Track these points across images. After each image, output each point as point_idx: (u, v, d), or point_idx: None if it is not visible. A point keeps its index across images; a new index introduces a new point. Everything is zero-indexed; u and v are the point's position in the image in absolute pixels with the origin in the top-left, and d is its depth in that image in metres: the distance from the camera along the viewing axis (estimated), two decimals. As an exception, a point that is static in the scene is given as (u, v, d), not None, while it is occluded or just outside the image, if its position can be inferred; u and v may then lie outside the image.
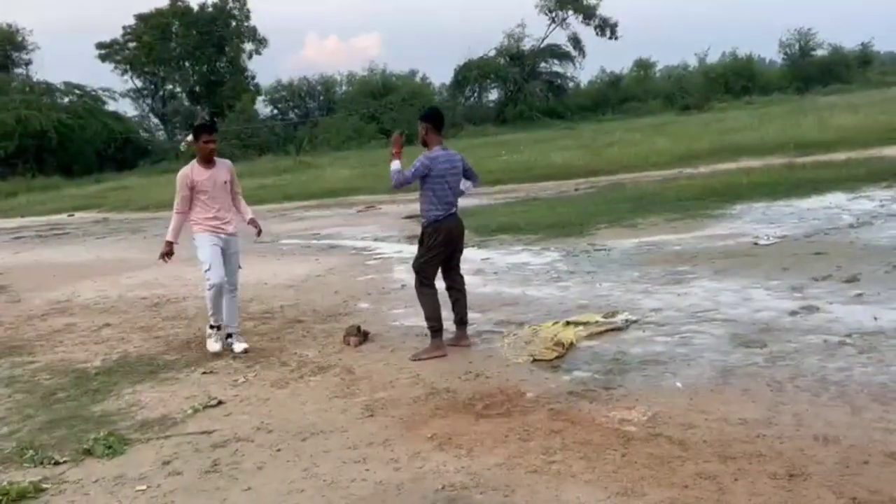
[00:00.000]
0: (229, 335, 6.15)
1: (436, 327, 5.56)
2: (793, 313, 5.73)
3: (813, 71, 48.17)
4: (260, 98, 47.71)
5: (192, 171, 5.98)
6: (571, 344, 5.44)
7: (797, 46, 50.70)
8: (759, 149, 17.55)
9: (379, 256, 10.11)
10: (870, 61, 54.30)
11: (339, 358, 5.72)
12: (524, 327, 5.99)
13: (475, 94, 48.27)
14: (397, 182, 5.52)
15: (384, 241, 11.66)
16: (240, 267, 6.24)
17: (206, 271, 5.94)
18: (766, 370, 4.63)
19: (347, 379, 5.21)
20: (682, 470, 3.47)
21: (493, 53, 46.70)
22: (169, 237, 6.03)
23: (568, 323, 5.86)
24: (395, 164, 5.52)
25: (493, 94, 48.41)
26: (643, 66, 49.35)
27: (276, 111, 46.94)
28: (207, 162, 6.01)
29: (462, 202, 5.87)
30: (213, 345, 6.16)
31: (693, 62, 51.42)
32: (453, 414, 4.41)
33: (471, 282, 7.32)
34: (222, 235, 6.00)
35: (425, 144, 5.55)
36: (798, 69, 48.98)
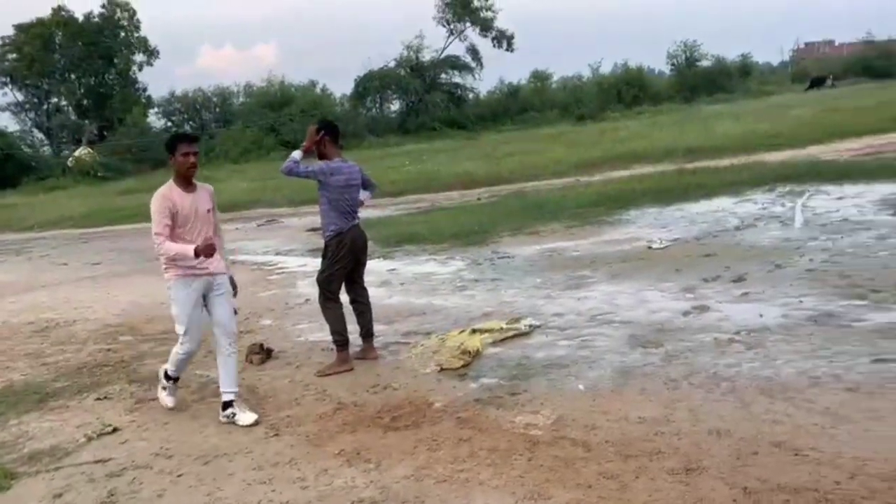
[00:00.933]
0: (227, 404, 4.71)
1: (341, 341, 5.50)
2: (686, 313, 5.98)
3: (699, 81, 50.51)
4: (152, 111, 46.05)
5: (171, 193, 4.61)
6: (478, 351, 5.49)
7: (683, 58, 53.06)
8: (651, 156, 18.28)
9: (281, 271, 9.93)
10: (750, 72, 57.45)
11: (242, 377, 5.55)
12: (431, 337, 6.01)
13: (377, 105, 48.19)
14: (288, 168, 5.33)
15: (287, 254, 11.46)
16: (235, 311, 4.98)
17: (179, 334, 4.76)
18: (662, 369, 4.81)
19: (251, 398, 5.08)
20: (585, 470, 3.56)
21: (393, 64, 46.81)
22: (188, 250, 4.49)
23: (474, 331, 5.92)
24: (297, 153, 5.36)
25: (395, 105, 48.49)
26: (540, 77, 50.49)
27: (169, 124, 45.38)
28: (187, 183, 4.66)
29: (366, 213, 5.85)
30: (167, 398, 4.99)
31: (587, 73, 53.06)
32: (361, 428, 4.38)
33: (377, 293, 7.29)
34: (205, 277, 4.67)
35: (322, 157, 5.49)
36: (685, 79, 51.24)
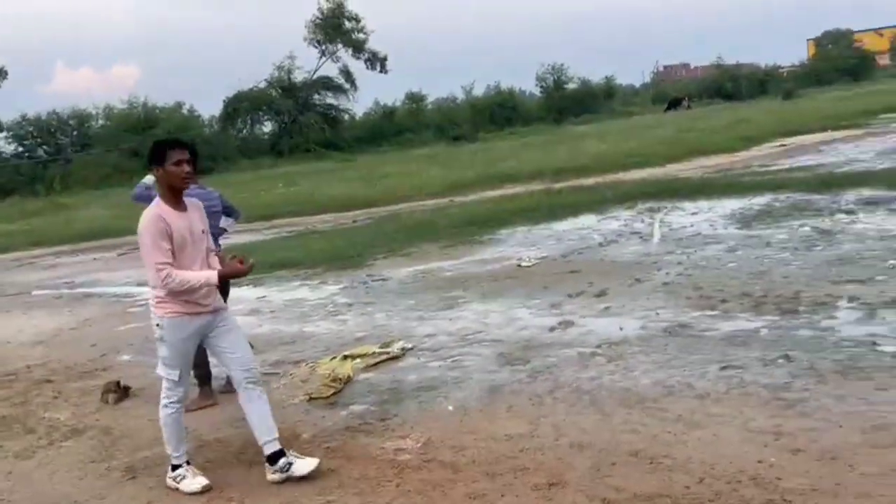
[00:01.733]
0: (277, 455, 3.90)
1: (203, 375, 5.29)
2: (552, 329, 6.16)
3: (566, 102, 52.62)
4: (1, 135, 43.01)
5: (162, 212, 3.84)
6: (349, 378, 5.42)
7: (552, 80, 55.16)
8: (522, 176, 18.81)
9: (143, 302, 9.44)
10: (614, 93, 60.42)
11: (97, 418, 5.25)
12: (301, 366, 5.89)
13: (248, 127, 47.10)
14: (139, 194, 5.11)
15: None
16: (252, 346, 4.37)
17: (167, 381, 3.95)
18: (528, 385, 4.92)
19: (106, 440, 4.79)
20: (453, 493, 3.57)
21: (263, 85, 45.96)
22: (212, 278, 3.88)
23: (346, 357, 5.85)
24: (149, 178, 5.02)
25: (267, 127, 47.60)
26: (414, 99, 51.04)
27: (21, 149, 42.51)
28: (178, 200, 3.90)
29: (235, 238, 5.67)
30: (192, 484, 3.92)
31: (461, 95, 54.12)
32: (224, 465, 4.21)
33: (245, 322, 7.08)
34: (207, 316, 3.93)
35: None
36: (553, 101, 53.24)
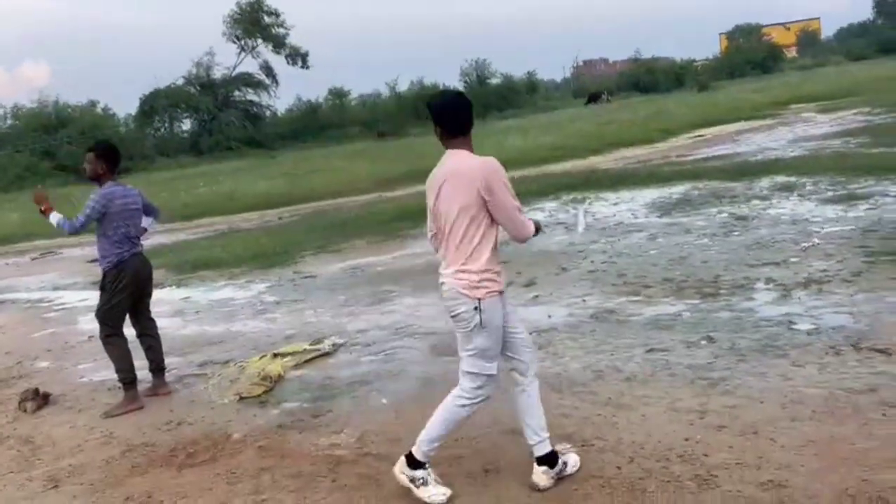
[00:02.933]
0: (550, 458, 3.40)
1: (128, 379, 5.13)
2: (483, 320, 6.19)
3: (490, 98, 53.06)
4: None
5: None
6: (279, 376, 5.34)
7: (475, 75, 55.56)
8: (448, 170, 18.85)
9: (60, 307, 9.09)
10: (536, 88, 61.33)
11: (14, 428, 5.03)
12: (230, 365, 5.77)
13: (165, 125, 45.84)
14: (71, 229, 4.99)
15: (66, 289, 10.51)
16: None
17: (481, 376, 3.39)
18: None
19: (25, 450, 4.59)
20: (389, 485, 3.56)
21: (181, 82, 44.78)
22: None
23: (275, 355, 5.76)
24: (55, 217, 4.99)
25: (186, 125, 46.43)
26: (338, 94, 50.67)
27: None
28: None
29: (156, 239, 5.51)
30: (435, 493, 3.36)
31: (385, 91, 53.99)
32: (153, 470, 4.09)
33: (169, 324, 6.91)
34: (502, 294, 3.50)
35: (96, 180, 5.11)
36: (478, 96, 53.57)
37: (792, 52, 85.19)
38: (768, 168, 12.41)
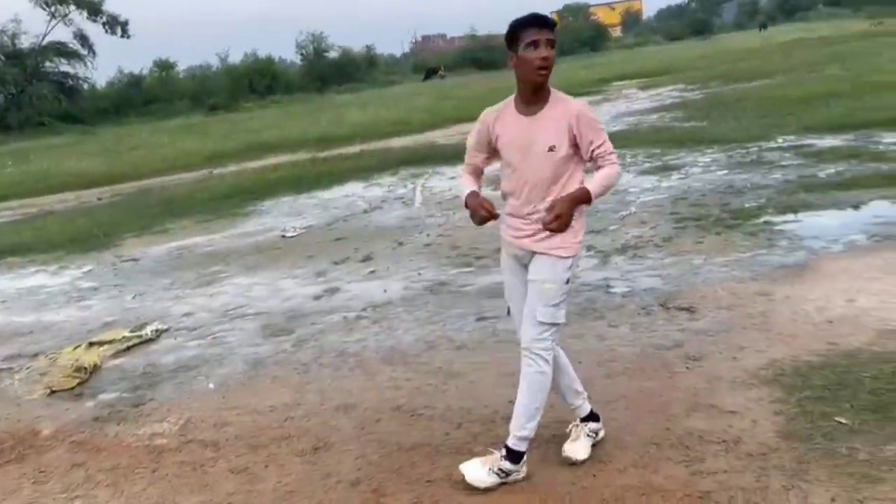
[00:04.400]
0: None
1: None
2: (317, 297, 6.11)
3: (329, 71, 52.28)
4: None
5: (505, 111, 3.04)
6: (95, 366, 5.00)
7: (312, 48, 54.40)
8: (285, 146, 18.42)
9: None
10: (375, 63, 61.01)
11: None
12: (39, 357, 5.33)
13: (-33, 99, 41.50)
14: None
15: None
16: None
17: (556, 326, 3.11)
18: (293, 355, 4.85)
19: None
20: (214, 470, 3.44)
21: (-15, 51, 40.63)
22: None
23: (91, 344, 5.39)
24: None
25: (-8, 98, 42.22)
26: (164, 66, 47.89)
27: None
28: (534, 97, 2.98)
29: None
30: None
31: (216, 63, 51.69)
32: (-52, 473, 3.71)
33: (-32, 316, 6.28)
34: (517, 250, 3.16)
35: None
36: (315, 70, 52.64)
37: (617, 32, 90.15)
38: (593, 142, 13.04)
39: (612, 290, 5.36)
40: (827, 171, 8.20)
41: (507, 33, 2.94)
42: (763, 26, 66.21)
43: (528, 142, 2.97)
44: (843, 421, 3.09)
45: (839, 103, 12.90)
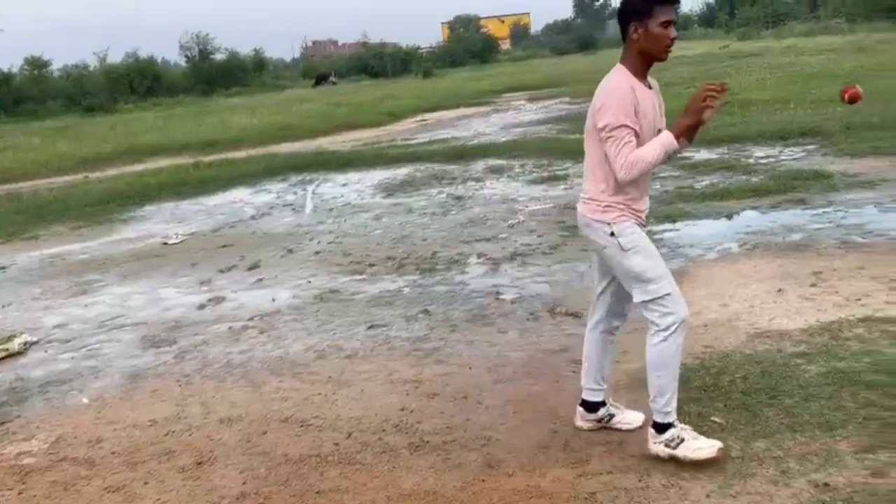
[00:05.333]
0: (664, 427, 3.06)
1: None
2: (201, 306, 5.89)
3: (215, 74, 50.74)
4: None
5: (634, 83, 2.92)
6: (-46, 382, 4.62)
7: (197, 50, 52.70)
8: (168, 149, 17.72)
9: None
10: (264, 67, 59.75)
11: None
12: None
13: None
14: None
15: None
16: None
17: (662, 298, 2.95)
18: (175, 367, 4.65)
19: None
20: (88, 489, 3.24)
21: None
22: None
23: (-51, 359, 4.97)
24: None
25: None
26: (36, 64, 45.15)
27: None
28: (644, 74, 2.99)
29: None
30: (704, 448, 2.97)
31: (94, 62, 49.18)
32: None
33: None
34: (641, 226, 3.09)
35: None
36: (201, 72, 50.99)
37: (506, 44, 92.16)
38: (483, 151, 13.25)
39: (502, 296, 5.44)
40: (702, 182, 8.65)
41: (639, 3, 2.87)
42: (643, 43, 69.19)
43: (655, 113, 3.00)
44: (718, 420, 3.25)
45: (712, 118, 13.65)
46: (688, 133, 2.94)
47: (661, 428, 3.01)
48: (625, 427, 3.32)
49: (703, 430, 3.19)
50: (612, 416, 3.35)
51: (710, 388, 3.58)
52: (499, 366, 4.19)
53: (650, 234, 6.55)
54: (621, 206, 2.95)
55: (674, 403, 3.00)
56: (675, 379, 2.99)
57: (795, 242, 5.93)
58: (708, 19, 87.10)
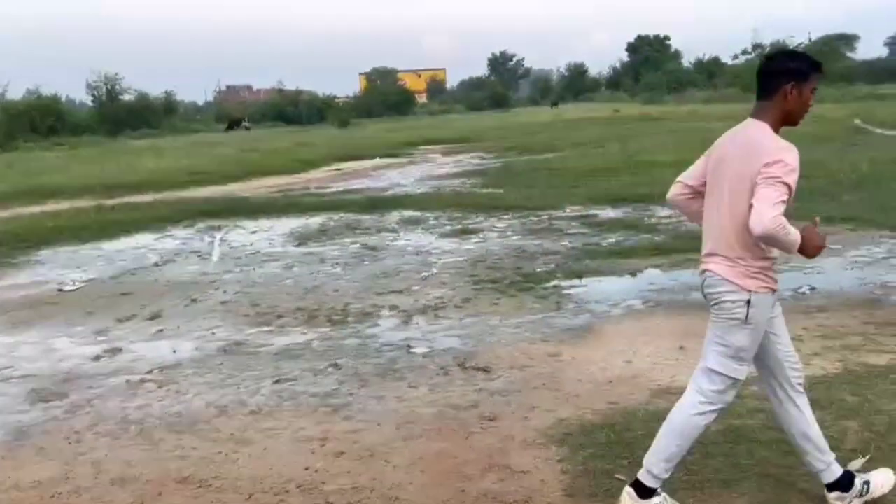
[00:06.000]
0: (847, 478, 3.00)
1: None
2: (96, 358, 5.61)
3: (123, 115, 49.45)
4: None
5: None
6: None
7: (104, 90, 51.31)
8: (68, 191, 16.99)
9: None
10: (175, 109, 58.68)
11: None
12: None
13: None
14: None
15: None
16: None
17: (727, 379, 2.91)
18: (65, 422, 4.39)
19: None
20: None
21: None
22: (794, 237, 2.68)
23: None
24: None
25: None
26: (-74, 96, 43.01)
27: None
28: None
29: None
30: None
31: (-7, 98, 47.14)
32: None
33: None
34: (774, 294, 2.95)
35: None
36: (108, 112, 49.63)
37: (423, 98, 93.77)
38: (398, 203, 13.32)
39: (413, 350, 5.41)
40: (608, 240, 8.93)
41: (802, 63, 2.89)
42: (555, 103, 71.83)
43: None
44: (622, 478, 3.29)
45: (618, 178, 14.21)
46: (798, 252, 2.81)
47: (645, 492, 2.94)
48: (884, 490, 3.05)
49: (608, 487, 3.22)
50: (867, 483, 3.03)
51: (615, 445, 3.64)
52: (408, 422, 4.14)
53: (558, 289, 6.78)
54: (764, 276, 2.85)
55: (668, 474, 2.98)
56: (683, 452, 2.99)
57: (695, 301, 6.15)
58: (615, 83, 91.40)
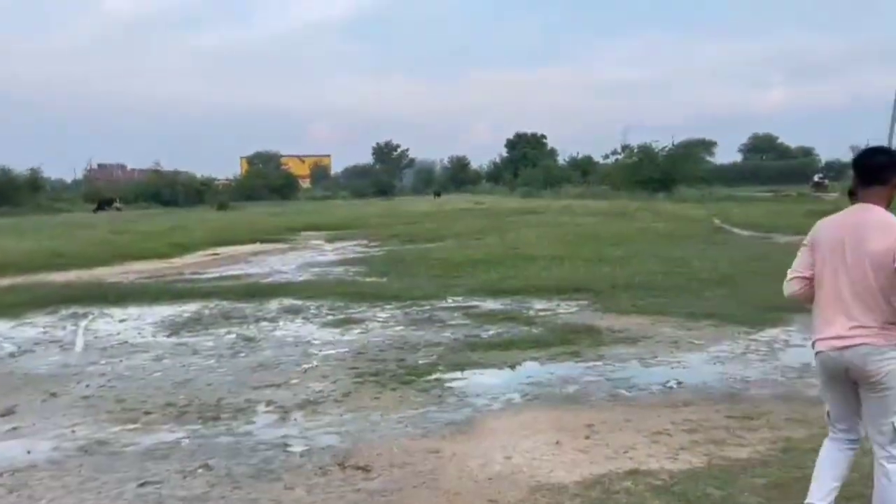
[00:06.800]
0: None
1: None
2: (-64, 461, 5.09)
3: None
4: None
5: None
6: None
7: (-37, 164, 48.38)
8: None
9: None
10: (40, 186, 55.88)
11: None
12: None
13: None
14: None
15: None
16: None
17: None
18: None
19: None
20: None
21: None
22: None
23: None
24: None
25: None
26: None
27: None
28: None
29: None
30: None
31: None
32: None
33: None
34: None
35: None
36: (-35, 188, 46.63)
37: (307, 183, 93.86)
38: (278, 290, 13.06)
39: (291, 448, 5.24)
40: (489, 332, 9.09)
41: None
42: (437, 193, 73.73)
43: None
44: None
45: (498, 269, 14.59)
46: None
47: None
48: None
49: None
50: None
51: (496, 546, 3.63)
52: (283, 528, 3.97)
53: (440, 382, 6.80)
54: None
55: None
56: None
57: (571, 394, 6.34)
58: (495, 176, 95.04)
